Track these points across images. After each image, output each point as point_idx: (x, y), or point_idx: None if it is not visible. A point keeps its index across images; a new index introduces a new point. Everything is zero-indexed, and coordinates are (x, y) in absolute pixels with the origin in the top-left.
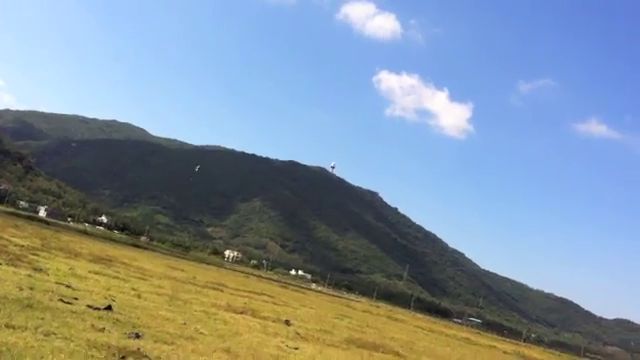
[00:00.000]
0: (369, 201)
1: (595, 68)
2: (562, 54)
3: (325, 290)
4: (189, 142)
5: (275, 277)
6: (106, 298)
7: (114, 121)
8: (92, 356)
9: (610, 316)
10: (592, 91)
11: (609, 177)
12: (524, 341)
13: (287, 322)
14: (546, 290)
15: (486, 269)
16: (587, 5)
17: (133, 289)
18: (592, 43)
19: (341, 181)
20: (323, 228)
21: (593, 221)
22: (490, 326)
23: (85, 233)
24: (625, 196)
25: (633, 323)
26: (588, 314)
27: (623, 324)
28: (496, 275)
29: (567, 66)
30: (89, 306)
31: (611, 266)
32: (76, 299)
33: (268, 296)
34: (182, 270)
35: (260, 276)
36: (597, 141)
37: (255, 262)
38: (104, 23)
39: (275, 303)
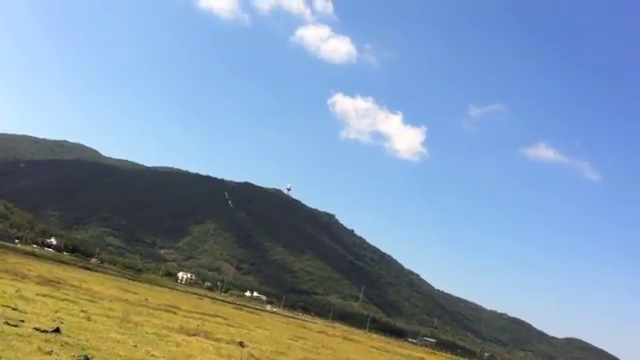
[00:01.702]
0: (325, 223)
1: (543, 94)
2: (512, 80)
3: (280, 311)
4: (142, 163)
5: (230, 299)
6: (54, 320)
7: (65, 141)
8: None
9: (561, 335)
10: (540, 116)
11: (558, 200)
12: None
13: (241, 344)
14: (499, 310)
15: (440, 289)
16: (536, 33)
17: (82, 311)
18: (541, 69)
19: (297, 203)
20: (279, 250)
21: (544, 243)
22: (444, 345)
23: (33, 255)
24: (574, 218)
25: (583, 342)
26: (540, 334)
27: (574, 343)
28: (450, 295)
29: (516, 91)
30: (36, 329)
31: (562, 287)
32: (22, 322)
33: (222, 318)
34: (134, 292)
35: (214, 298)
36: (546, 165)
37: (209, 284)
38: (56, 39)
39: (229, 325)
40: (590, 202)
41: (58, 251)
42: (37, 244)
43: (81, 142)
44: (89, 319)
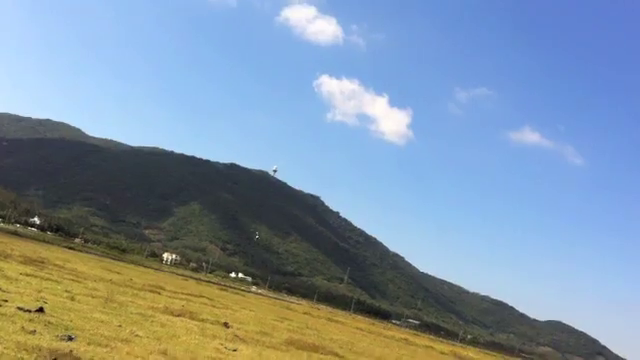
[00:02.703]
0: (311, 205)
1: (529, 78)
2: (498, 63)
3: (266, 293)
4: (127, 143)
5: (215, 280)
6: (38, 300)
7: (48, 120)
8: (21, 358)
9: (543, 318)
10: (526, 100)
11: (542, 183)
12: (460, 342)
13: (226, 324)
14: (482, 293)
15: (425, 272)
16: (523, 18)
17: (66, 291)
18: (528, 54)
19: (283, 185)
20: (264, 231)
21: (527, 226)
22: (428, 327)
23: (16, 234)
24: (558, 201)
25: (564, 324)
26: (522, 316)
27: (555, 325)
28: (434, 278)
29: (502, 75)
30: (19, 308)
31: (544, 270)
32: (6, 301)
33: (207, 299)
34: (118, 273)
35: (199, 279)
36: (530, 148)
37: (194, 265)
38: (39, 18)
39: (214, 306)
40: (573, 186)
41: (42, 230)
42: (20, 223)
43: (65, 121)
44: (73, 299)
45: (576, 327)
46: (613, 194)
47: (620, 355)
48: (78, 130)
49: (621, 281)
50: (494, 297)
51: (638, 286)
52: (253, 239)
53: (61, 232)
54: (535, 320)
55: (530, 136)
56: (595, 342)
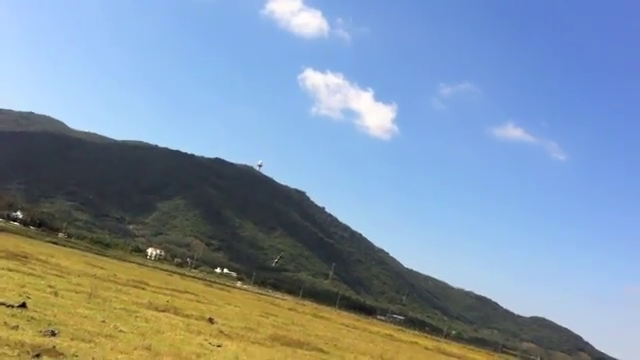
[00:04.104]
0: (296, 200)
1: (512, 74)
2: (482, 59)
3: (251, 288)
4: (110, 137)
5: (199, 275)
6: (20, 295)
7: (31, 113)
8: (4, 354)
9: (526, 314)
10: (509, 96)
11: (526, 179)
12: (445, 337)
13: (211, 320)
14: (466, 288)
15: (409, 267)
16: (507, 13)
17: (50, 286)
18: (511, 50)
19: (268, 179)
20: (249, 226)
21: (511, 222)
22: (412, 323)
23: None
24: (541, 197)
25: (548, 321)
26: (506, 312)
27: (538, 321)
28: (419, 273)
29: (486, 71)
30: (2, 303)
31: (528, 266)
32: None
33: (192, 294)
34: (102, 268)
35: (184, 274)
36: (514, 144)
37: (179, 260)
38: (21, 9)
39: (199, 301)
40: (557, 182)
41: (24, 225)
42: (2, 218)
43: (48, 114)
44: (56, 294)
45: (559, 323)
46: (596, 190)
47: (602, 350)
48: (61, 123)
49: (604, 278)
50: (478, 293)
51: (620, 283)
52: (238, 234)
53: (44, 227)
54: (519, 316)
55: (513, 132)
56: (578, 338)
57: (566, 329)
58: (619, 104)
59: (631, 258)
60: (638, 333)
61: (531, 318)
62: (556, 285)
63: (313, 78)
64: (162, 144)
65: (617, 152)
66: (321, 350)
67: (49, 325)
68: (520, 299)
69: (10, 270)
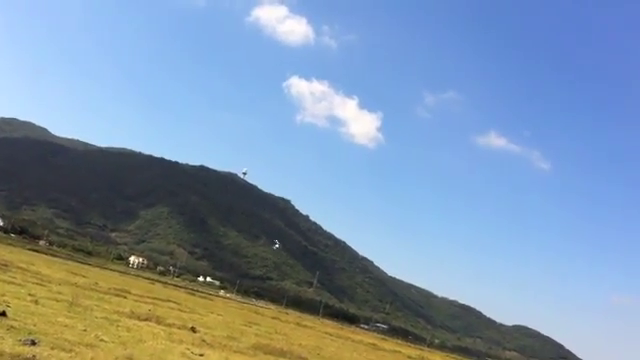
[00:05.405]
0: (281, 208)
1: (495, 83)
2: (466, 68)
3: (234, 297)
4: (94, 143)
5: (182, 284)
6: (0, 304)
7: (14, 119)
8: None
9: (509, 322)
10: (492, 105)
11: (509, 188)
12: (428, 346)
13: (193, 329)
14: (450, 297)
15: (393, 276)
16: (489, 23)
17: (30, 295)
18: (494, 59)
19: (252, 187)
20: (233, 235)
21: (494, 231)
22: (396, 332)
23: None
24: (525, 206)
25: (531, 329)
26: (489, 320)
27: (521, 330)
28: (402, 282)
29: (470, 80)
30: None
31: (511, 274)
32: None
33: (174, 303)
34: (83, 276)
35: (166, 283)
36: (497, 153)
37: (162, 268)
38: (2, 13)
39: (181, 310)
40: (540, 190)
41: (5, 232)
42: None
43: (30, 120)
44: (37, 303)
45: (542, 332)
46: (580, 198)
47: (583, 359)
48: (44, 130)
49: (586, 286)
50: (462, 301)
51: (602, 291)
52: (221, 242)
53: (25, 234)
54: (502, 325)
55: (497, 140)
56: (560, 347)
57: (549, 337)
58: (601, 113)
59: (618, 267)
60: (622, 342)
61: (514, 327)
62: (540, 294)
63: (298, 85)
64: (146, 151)
65: (600, 160)
66: (304, 359)
67: (29, 334)
68: (503, 308)
69: None
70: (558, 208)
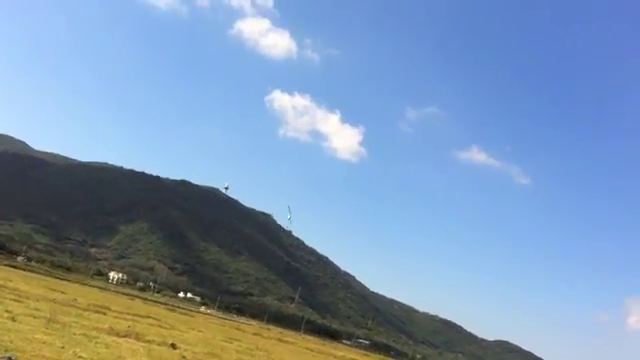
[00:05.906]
0: (262, 223)
1: (476, 98)
2: (447, 83)
3: (215, 313)
4: (74, 157)
5: (162, 300)
6: None
7: None
8: None
9: (490, 337)
10: (473, 120)
11: (490, 203)
12: None
13: (173, 345)
14: (432, 312)
15: (375, 291)
16: (471, 39)
17: (7, 311)
18: (475, 74)
19: (234, 202)
20: (214, 250)
21: (476, 246)
22: (378, 347)
23: None
24: (505, 222)
25: (512, 344)
26: (470, 335)
27: (502, 345)
28: (384, 297)
29: (451, 95)
30: None
31: (492, 289)
32: None
33: (154, 319)
34: (62, 292)
35: (146, 299)
36: (478, 168)
37: (141, 284)
38: None
39: (161, 326)
40: (520, 206)
41: None
42: None
43: (9, 134)
44: (14, 319)
45: (523, 347)
46: (559, 213)
47: None
48: (23, 143)
49: (567, 302)
50: (443, 316)
51: (583, 308)
52: (203, 258)
53: (2, 250)
54: (483, 340)
55: (478, 155)
56: None
57: (530, 352)
58: (581, 130)
59: (599, 284)
60: (602, 359)
61: (495, 342)
62: (521, 309)
63: (281, 99)
64: (127, 166)
65: (579, 176)
66: None
67: (6, 351)
68: (485, 323)
69: None
70: (538, 224)
